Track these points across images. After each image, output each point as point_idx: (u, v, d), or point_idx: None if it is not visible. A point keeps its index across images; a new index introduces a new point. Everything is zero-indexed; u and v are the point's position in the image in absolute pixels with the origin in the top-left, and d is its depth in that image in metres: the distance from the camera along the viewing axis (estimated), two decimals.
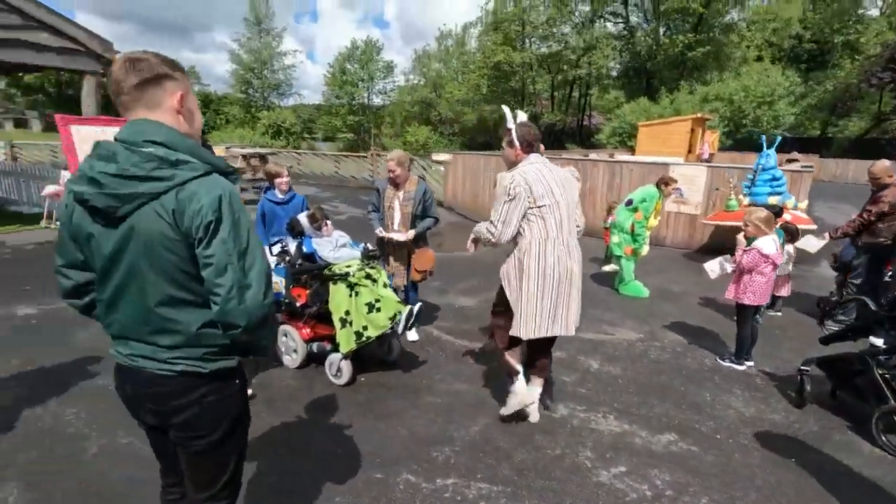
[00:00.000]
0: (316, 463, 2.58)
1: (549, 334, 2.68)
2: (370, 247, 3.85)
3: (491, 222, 2.68)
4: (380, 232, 4.08)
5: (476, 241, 2.92)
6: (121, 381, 1.42)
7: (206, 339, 1.32)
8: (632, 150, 18.62)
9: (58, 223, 8.12)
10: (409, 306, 3.41)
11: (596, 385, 3.55)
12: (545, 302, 2.62)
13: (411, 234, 4.03)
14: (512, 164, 2.79)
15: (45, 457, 2.59)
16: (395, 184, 4.05)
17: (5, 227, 8.01)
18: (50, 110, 53.56)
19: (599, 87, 38.12)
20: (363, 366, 3.60)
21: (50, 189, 7.98)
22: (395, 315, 3.29)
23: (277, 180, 4.00)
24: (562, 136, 34.86)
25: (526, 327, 2.65)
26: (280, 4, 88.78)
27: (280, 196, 4.02)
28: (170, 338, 1.30)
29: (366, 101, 43.29)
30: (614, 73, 36.76)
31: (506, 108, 2.97)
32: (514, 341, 2.83)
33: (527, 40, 34.29)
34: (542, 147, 2.92)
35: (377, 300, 3.32)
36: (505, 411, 2.94)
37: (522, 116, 2.88)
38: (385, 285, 3.51)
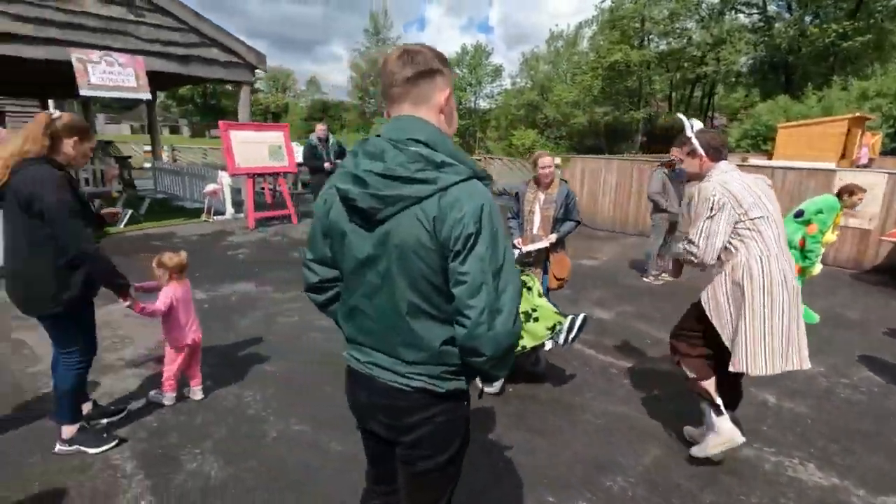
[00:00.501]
0: (485, 477, 2.50)
1: (785, 368, 2.31)
2: (523, 250, 3.74)
3: (689, 241, 2.40)
4: (520, 246, 3.89)
5: (679, 264, 2.66)
6: (353, 386, 1.39)
7: (446, 357, 1.24)
8: (767, 155, 16.63)
9: (216, 217, 9.15)
10: (570, 316, 3.22)
11: (778, 423, 3.10)
12: (776, 330, 2.26)
13: (553, 237, 3.84)
14: (699, 176, 2.52)
15: (232, 436, 2.81)
16: (542, 185, 3.89)
17: (173, 220, 9.18)
18: (197, 118, 61.62)
19: (726, 86, 34.80)
20: (510, 376, 3.50)
21: (210, 187, 9.01)
22: (554, 326, 3.13)
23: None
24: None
25: (754, 362, 2.29)
26: (393, 14, 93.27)
27: None
28: (413, 352, 1.24)
29: (473, 104, 43.81)
30: (744, 70, 33.32)
31: (682, 117, 2.69)
32: (712, 371, 2.52)
33: (646, 38, 32.34)
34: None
35: (534, 309, 3.19)
36: (700, 452, 2.57)
37: (698, 124, 2.59)
38: (539, 294, 3.37)
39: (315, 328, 4.48)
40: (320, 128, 7.87)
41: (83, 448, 2.56)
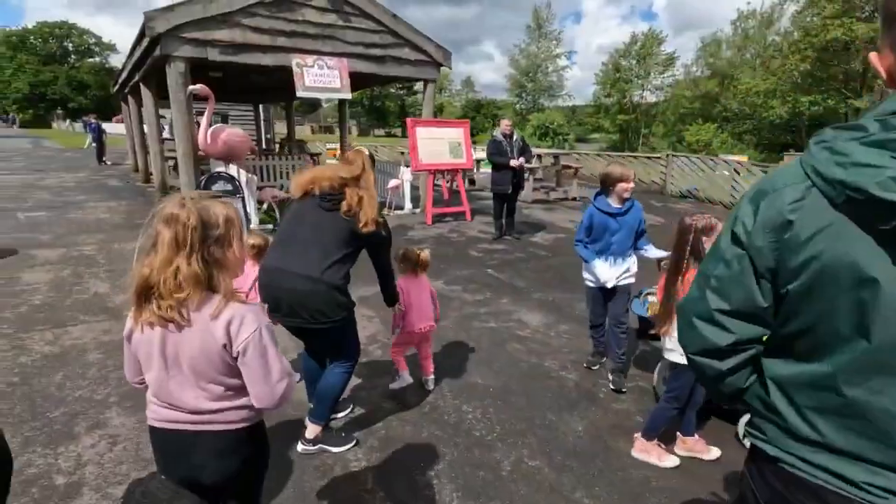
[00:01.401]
0: None
1: None
2: None
3: None
4: None
5: None
6: None
7: None
8: None
9: (396, 211, 9.54)
10: None
11: None
12: None
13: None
14: None
15: (464, 461, 2.55)
16: None
17: None
18: (363, 118, 67.89)
19: None
20: None
21: (392, 183, 9.42)
22: None
23: (621, 185, 3.14)
24: None
25: None
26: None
27: (615, 205, 3.22)
28: None
29: (639, 98, 40.60)
30: None
31: None
32: None
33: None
34: None
35: None
36: None
37: None
38: None
39: (513, 337, 4.16)
40: (506, 123, 7.60)
41: (326, 447, 2.54)
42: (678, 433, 2.67)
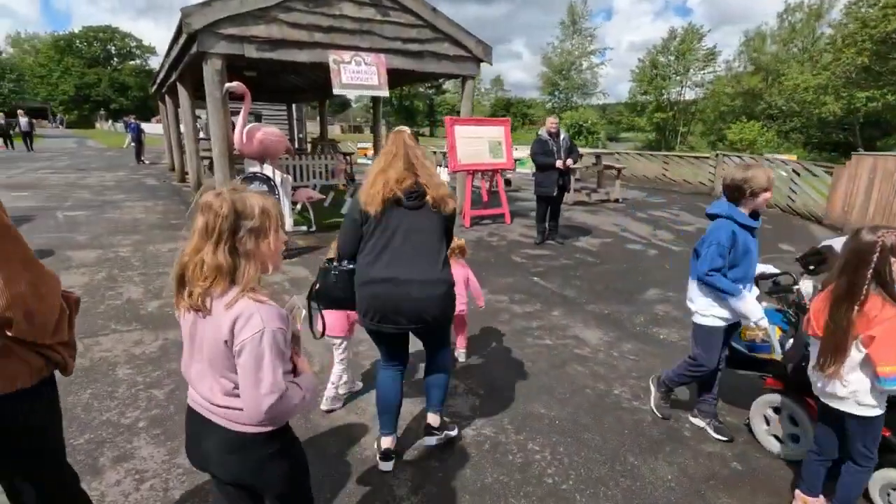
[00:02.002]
0: None
1: None
2: None
3: None
4: None
5: None
6: None
7: None
8: None
9: None
10: None
11: None
12: None
13: None
14: None
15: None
16: None
17: None
18: (392, 118, 67.90)
19: None
20: None
21: None
22: None
23: (765, 196, 2.48)
24: None
25: None
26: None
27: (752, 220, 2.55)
28: None
29: (678, 95, 39.15)
30: None
31: None
32: None
33: None
34: None
35: None
36: None
37: None
38: None
39: (573, 358, 3.74)
40: (551, 121, 7.14)
41: (449, 433, 2.64)
42: (797, 490, 2.22)
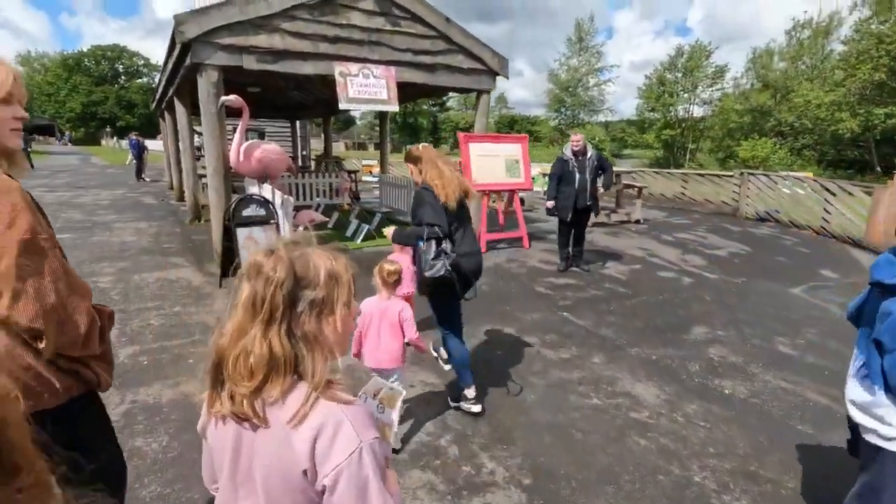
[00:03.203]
0: None
1: None
2: None
3: None
4: None
5: None
6: None
7: None
8: None
9: None
10: None
11: None
12: None
13: None
14: None
15: None
16: None
17: None
18: (396, 134, 67.96)
19: None
20: None
21: None
22: None
23: None
24: None
25: None
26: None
27: None
28: None
29: (685, 112, 38.76)
30: None
31: None
32: None
33: None
34: None
35: None
36: None
37: None
38: None
39: (630, 424, 3.07)
40: (575, 139, 6.46)
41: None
42: None
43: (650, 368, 3.91)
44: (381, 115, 12.62)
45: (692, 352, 4.28)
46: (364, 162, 23.20)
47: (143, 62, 62.24)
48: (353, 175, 13.28)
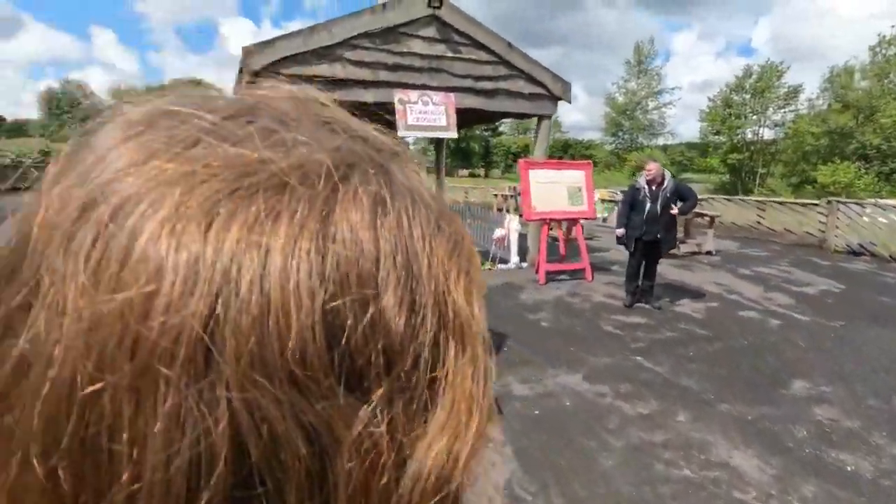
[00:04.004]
0: None
1: None
2: None
3: None
4: None
5: None
6: None
7: None
8: None
9: (500, 266, 8.24)
10: None
11: None
12: None
13: None
14: None
15: None
16: None
17: None
18: (448, 159, 68.53)
19: None
20: None
21: (498, 233, 8.17)
22: None
23: None
24: None
25: None
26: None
27: None
28: None
29: (755, 135, 36.67)
30: None
31: None
32: None
33: None
34: None
35: None
36: None
37: None
38: None
39: (733, 502, 2.56)
40: (648, 168, 5.90)
41: None
42: None
43: (747, 431, 3.36)
44: (437, 143, 12.60)
45: (794, 411, 3.68)
46: None
47: (216, 93, 67.07)
48: None
